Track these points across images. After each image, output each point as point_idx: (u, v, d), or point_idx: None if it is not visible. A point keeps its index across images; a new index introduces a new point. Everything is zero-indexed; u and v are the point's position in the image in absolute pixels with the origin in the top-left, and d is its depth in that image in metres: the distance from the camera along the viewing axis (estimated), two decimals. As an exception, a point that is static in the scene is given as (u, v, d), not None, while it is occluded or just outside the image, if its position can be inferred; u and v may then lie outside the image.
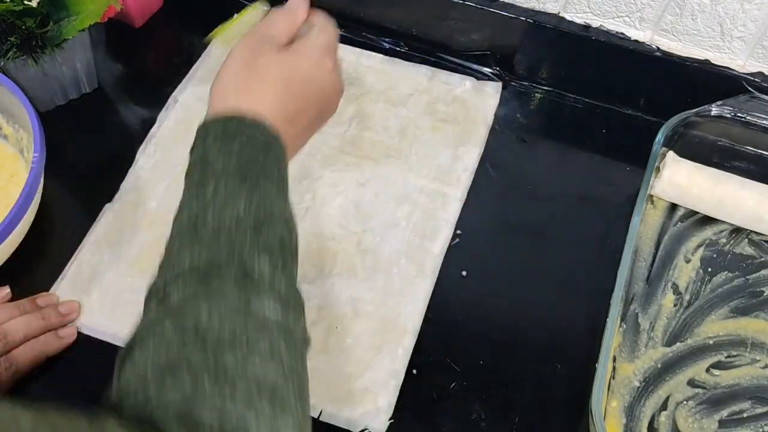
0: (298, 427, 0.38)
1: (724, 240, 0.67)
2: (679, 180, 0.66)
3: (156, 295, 0.42)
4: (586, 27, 0.73)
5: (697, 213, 0.68)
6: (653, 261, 0.65)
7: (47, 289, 0.62)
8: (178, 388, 0.36)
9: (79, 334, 0.59)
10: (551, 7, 0.73)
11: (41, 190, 0.61)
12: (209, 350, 0.38)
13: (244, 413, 0.36)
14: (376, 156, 0.71)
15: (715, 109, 0.69)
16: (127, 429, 0.35)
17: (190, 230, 0.44)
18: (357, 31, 0.80)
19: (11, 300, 0.60)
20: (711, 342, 0.62)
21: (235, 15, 0.68)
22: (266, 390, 0.37)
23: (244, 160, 0.46)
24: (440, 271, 0.64)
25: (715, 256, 0.66)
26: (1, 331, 0.55)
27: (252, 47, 0.53)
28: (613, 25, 0.72)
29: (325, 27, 0.56)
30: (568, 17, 0.73)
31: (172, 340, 0.38)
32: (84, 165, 0.70)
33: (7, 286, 0.60)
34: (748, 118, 0.69)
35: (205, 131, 0.48)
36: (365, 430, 0.56)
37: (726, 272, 0.65)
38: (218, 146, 0.47)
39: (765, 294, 0.64)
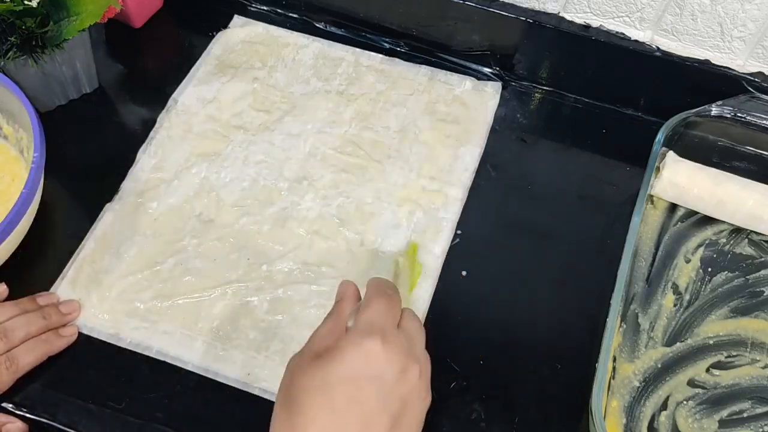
0: None
1: (724, 240, 0.67)
2: (679, 180, 0.66)
3: None
4: (586, 27, 0.73)
5: (697, 213, 0.68)
6: (653, 261, 0.65)
7: (47, 289, 0.62)
8: None
9: (79, 334, 0.59)
10: (551, 7, 0.73)
11: (41, 190, 0.61)
12: None
13: None
14: (377, 156, 0.71)
15: (715, 109, 0.69)
16: None
17: None
18: (357, 31, 0.80)
19: (9, 298, 0.60)
20: (711, 342, 0.62)
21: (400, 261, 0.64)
22: None
23: None
24: (440, 271, 0.64)
25: (715, 256, 0.66)
26: (1, 330, 0.55)
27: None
28: (613, 25, 0.72)
29: (370, 303, 0.47)
30: (568, 17, 0.73)
31: None
32: (84, 165, 0.70)
33: (3, 283, 0.60)
34: (748, 118, 0.69)
35: None
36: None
37: (726, 272, 0.65)
38: None
39: (765, 294, 0.64)
